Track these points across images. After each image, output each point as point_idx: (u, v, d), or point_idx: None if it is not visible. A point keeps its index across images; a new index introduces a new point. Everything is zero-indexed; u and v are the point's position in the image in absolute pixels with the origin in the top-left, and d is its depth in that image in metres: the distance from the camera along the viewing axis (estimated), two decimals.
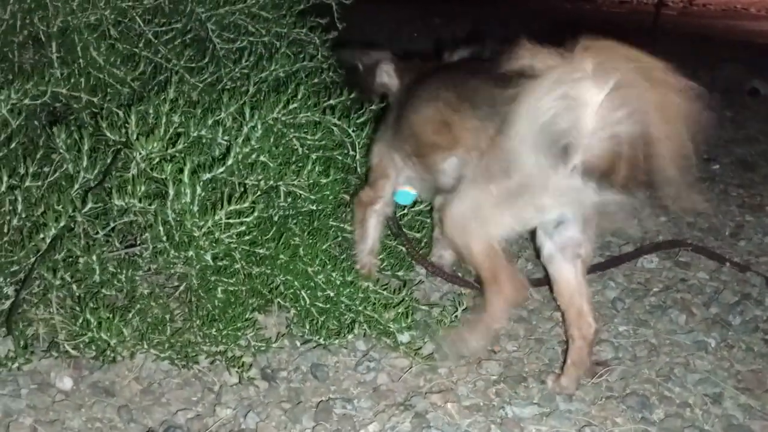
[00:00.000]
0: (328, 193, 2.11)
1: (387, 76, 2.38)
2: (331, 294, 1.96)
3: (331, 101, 2.28)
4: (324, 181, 2.09)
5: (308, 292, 1.96)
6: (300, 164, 2.08)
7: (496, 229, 1.81)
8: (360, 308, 1.95)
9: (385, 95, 2.41)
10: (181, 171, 1.76)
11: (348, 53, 2.54)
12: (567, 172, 1.61)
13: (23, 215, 1.83)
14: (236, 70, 2.43)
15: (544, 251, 1.91)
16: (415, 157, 2.12)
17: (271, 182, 2.03)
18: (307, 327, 1.97)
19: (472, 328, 1.93)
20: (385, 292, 2.01)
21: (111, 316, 1.75)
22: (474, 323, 1.93)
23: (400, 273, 2.21)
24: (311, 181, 2.06)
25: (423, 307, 2.19)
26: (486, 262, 1.84)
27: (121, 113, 1.97)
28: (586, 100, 1.51)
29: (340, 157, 2.29)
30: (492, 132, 1.79)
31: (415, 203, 2.55)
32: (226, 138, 2.00)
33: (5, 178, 1.82)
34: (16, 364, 1.76)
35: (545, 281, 2.38)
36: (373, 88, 2.42)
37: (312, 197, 2.09)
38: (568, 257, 1.87)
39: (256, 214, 1.82)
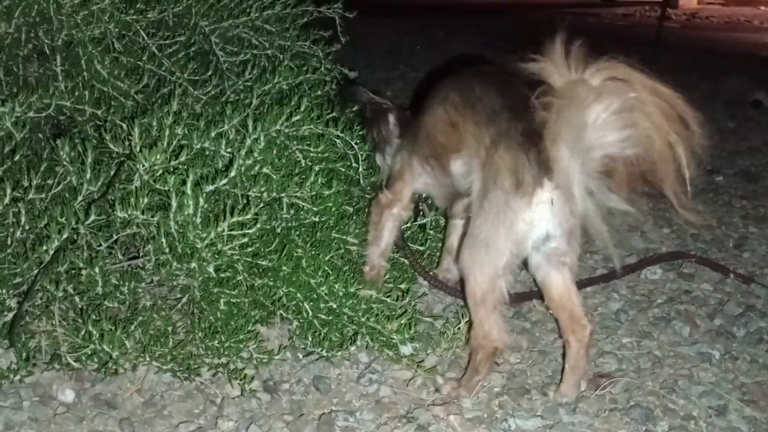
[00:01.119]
0: (330, 204, 2.11)
1: (392, 126, 2.49)
2: (334, 306, 1.95)
3: (334, 113, 2.29)
4: (327, 192, 2.09)
5: (311, 303, 1.95)
6: (303, 176, 2.08)
7: (499, 256, 1.83)
8: (363, 320, 1.95)
9: (384, 142, 2.51)
10: (184, 183, 1.76)
11: (356, 95, 2.60)
12: (552, 186, 1.77)
13: (26, 227, 1.83)
14: (239, 82, 2.45)
15: (531, 261, 1.94)
16: (431, 159, 2.17)
17: (274, 194, 2.03)
18: (310, 339, 1.97)
19: (466, 381, 1.94)
20: (388, 300, 2.00)
21: (113, 328, 1.75)
22: (467, 376, 1.95)
23: (402, 285, 2.20)
24: (314, 193, 2.07)
25: (426, 319, 2.18)
26: (482, 308, 1.89)
27: (124, 126, 1.99)
28: (588, 122, 1.62)
29: (342, 169, 2.29)
30: (488, 141, 1.88)
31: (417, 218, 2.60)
32: (229, 150, 2.00)
33: (9, 191, 1.83)
34: (18, 377, 1.75)
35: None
36: (377, 132, 2.51)
37: (315, 209, 2.09)
38: (553, 265, 1.91)
39: (258, 225, 1.82)
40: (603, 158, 1.68)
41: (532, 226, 1.82)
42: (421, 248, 2.55)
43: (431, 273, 2.43)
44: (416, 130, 2.23)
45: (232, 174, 1.88)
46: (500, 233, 1.82)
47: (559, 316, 1.98)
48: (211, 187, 1.83)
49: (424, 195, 2.47)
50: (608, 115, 1.62)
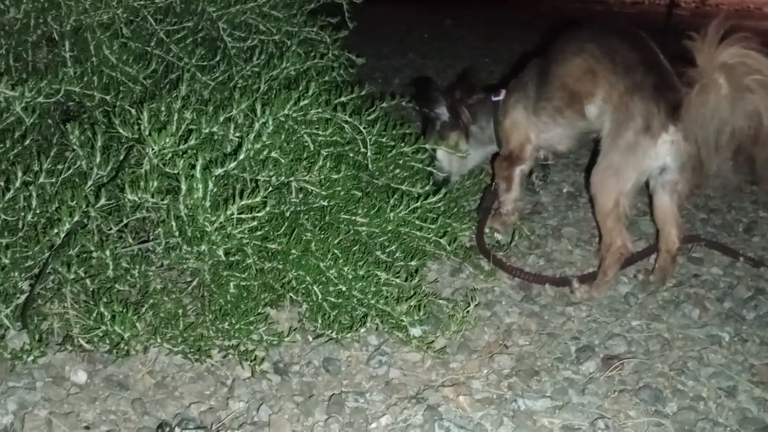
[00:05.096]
0: (339, 188, 2.11)
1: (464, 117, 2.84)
2: (343, 288, 1.95)
3: (342, 98, 2.29)
4: (335, 176, 2.09)
5: (320, 286, 1.96)
6: (311, 160, 2.08)
7: (626, 181, 2.28)
8: (372, 302, 1.95)
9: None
10: (194, 166, 1.76)
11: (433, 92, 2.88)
12: (674, 130, 2.21)
13: (37, 211, 1.84)
14: (247, 68, 2.44)
15: (650, 185, 2.41)
16: (566, 109, 2.51)
17: (283, 178, 2.03)
18: (319, 321, 1.97)
19: (597, 283, 2.38)
20: (397, 280, 2.01)
21: (124, 310, 1.76)
22: (598, 279, 2.38)
23: (412, 263, 2.21)
24: (322, 177, 2.07)
25: (440, 302, 2.18)
26: (609, 219, 2.33)
27: (133, 111, 1.99)
28: (721, 99, 2.03)
29: (351, 154, 2.29)
30: (622, 89, 2.28)
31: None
32: (237, 134, 2.01)
33: (20, 175, 1.84)
34: (31, 358, 1.76)
35: (558, 281, 2.41)
36: (460, 119, 2.84)
37: (323, 193, 2.09)
38: (667, 191, 2.39)
39: (267, 209, 1.82)
40: (727, 126, 2.04)
41: (655, 159, 2.26)
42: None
43: (493, 253, 2.56)
44: (544, 87, 2.55)
45: (241, 157, 1.89)
46: (629, 164, 2.27)
47: (660, 230, 2.46)
48: (220, 171, 1.83)
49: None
50: (735, 93, 2.00)
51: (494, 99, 2.76)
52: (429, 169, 2.63)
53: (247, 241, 1.89)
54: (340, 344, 2.01)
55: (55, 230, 1.80)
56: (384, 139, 2.42)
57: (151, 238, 1.99)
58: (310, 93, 2.12)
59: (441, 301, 2.19)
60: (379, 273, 1.99)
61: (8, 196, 1.83)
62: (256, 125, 1.97)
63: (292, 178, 2.05)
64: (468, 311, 2.08)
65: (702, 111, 2.06)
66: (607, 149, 2.32)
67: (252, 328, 1.89)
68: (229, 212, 1.79)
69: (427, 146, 2.80)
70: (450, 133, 2.85)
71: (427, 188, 2.48)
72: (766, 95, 2.00)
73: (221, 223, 1.80)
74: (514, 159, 2.71)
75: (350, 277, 1.96)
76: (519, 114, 2.65)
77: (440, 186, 2.70)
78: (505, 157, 2.73)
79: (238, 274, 1.92)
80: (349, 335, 1.98)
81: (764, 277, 2.52)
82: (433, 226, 2.26)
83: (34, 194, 1.84)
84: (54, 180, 1.90)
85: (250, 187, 1.89)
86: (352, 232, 2.16)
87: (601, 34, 2.45)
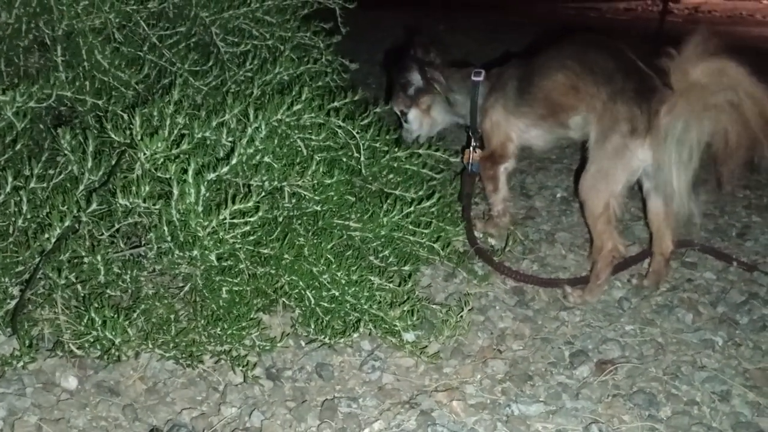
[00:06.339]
0: (332, 193, 2.10)
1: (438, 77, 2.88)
2: (336, 293, 1.95)
3: (336, 103, 2.28)
4: (328, 181, 2.08)
5: (313, 291, 1.95)
6: (304, 165, 2.08)
7: (615, 184, 2.31)
8: (365, 307, 1.95)
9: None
10: (186, 171, 1.76)
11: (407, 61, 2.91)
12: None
13: (28, 216, 1.83)
14: (240, 73, 2.44)
15: (644, 188, 2.45)
16: (549, 118, 2.55)
17: (276, 183, 2.03)
18: (312, 326, 1.97)
19: (590, 287, 2.38)
20: (390, 285, 2.00)
21: (116, 315, 1.75)
22: (591, 282, 2.39)
23: (406, 268, 2.20)
24: (315, 182, 2.06)
25: (434, 306, 2.17)
26: (600, 222, 2.35)
27: (125, 116, 1.98)
28: (693, 117, 2.08)
29: (344, 159, 2.29)
30: (605, 97, 2.32)
31: None
32: (230, 139, 2.00)
33: (10, 180, 1.83)
34: (21, 363, 1.76)
35: (554, 282, 2.41)
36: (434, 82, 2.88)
37: (316, 198, 2.08)
38: (659, 194, 2.37)
39: (260, 214, 1.82)
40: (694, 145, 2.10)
41: (644, 161, 2.28)
42: None
43: (483, 247, 2.59)
44: (528, 94, 2.58)
45: (233, 162, 1.88)
46: (618, 167, 2.30)
47: (654, 233, 2.48)
48: (212, 175, 1.83)
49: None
50: (702, 113, 2.06)
51: (474, 79, 2.78)
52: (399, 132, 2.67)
53: (240, 246, 1.88)
54: (333, 349, 2.01)
55: (46, 235, 1.80)
56: (377, 144, 2.42)
57: (142, 243, 1.98)
58: (303, 98, 2.11)
59: (434, 306, 2.18)
60: (372, 278, 1.99)
61: None
62: (249, 130, 1.96)
63: (285, 183, 2.05)
64: (461, 316, 2.08)
65: (669, 130, 2.11)
66: (595, 155, 2.35)
67: (244, 333, 1.89)
68: (221, 217, 1.78)
69: (395, 109, 2.92)
70: (423, 97, 2.88)
71: (420, 193, 2.48)
72: (734, 114, 2.04)
73: (213, 228, 1.79)
74: (497, 158, 2.73)
75: (343, 282, 1.96)
76: (499, 115, 2.68)
77: (408, 143, 2.77)
78: (488, 157, 2.75)
79: (231, 279, 1.91)
80: (342, 340, 1.97)
81: (757, 282, 2.52)
82: (426, 231, 2.26)
83: (24, 199, 1.83)
84: (45, 185, 1.90)
85: (243, 192, 1.89)
86: (345, 236, 2.16)
87: (580, 49, 2.47)
